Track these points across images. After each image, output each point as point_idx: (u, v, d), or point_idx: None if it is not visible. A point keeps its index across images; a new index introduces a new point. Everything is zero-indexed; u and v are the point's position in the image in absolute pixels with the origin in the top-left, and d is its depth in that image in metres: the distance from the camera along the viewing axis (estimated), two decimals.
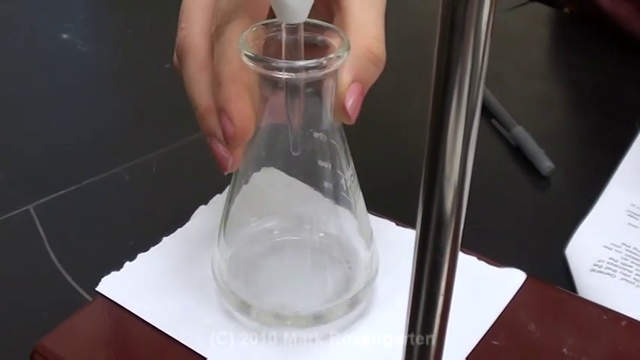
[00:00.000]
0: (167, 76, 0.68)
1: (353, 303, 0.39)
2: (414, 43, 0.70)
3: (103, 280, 0.42)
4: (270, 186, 0.39)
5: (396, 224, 0.45)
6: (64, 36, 0.76)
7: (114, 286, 0.41)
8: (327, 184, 0.38)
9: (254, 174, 0.38)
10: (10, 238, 0.49)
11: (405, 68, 0.68)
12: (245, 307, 0.39)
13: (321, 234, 0.40)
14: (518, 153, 0.56)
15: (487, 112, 0.61)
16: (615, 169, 0.52)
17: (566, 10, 0.83)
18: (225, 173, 0.38)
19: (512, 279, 0.42)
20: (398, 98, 0.64)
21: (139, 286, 0.41)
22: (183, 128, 0.59)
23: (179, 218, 0.46)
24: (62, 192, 0.53)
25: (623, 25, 0.72)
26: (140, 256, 0.43)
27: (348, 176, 0.38)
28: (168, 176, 0.55)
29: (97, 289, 0.41)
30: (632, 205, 0.50)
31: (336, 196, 0.38)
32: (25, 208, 0.51)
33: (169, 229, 0.45)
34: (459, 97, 0.21)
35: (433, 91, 0.22)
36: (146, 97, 0.66)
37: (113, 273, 0.42)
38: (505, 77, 0.67)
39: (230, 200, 0.39)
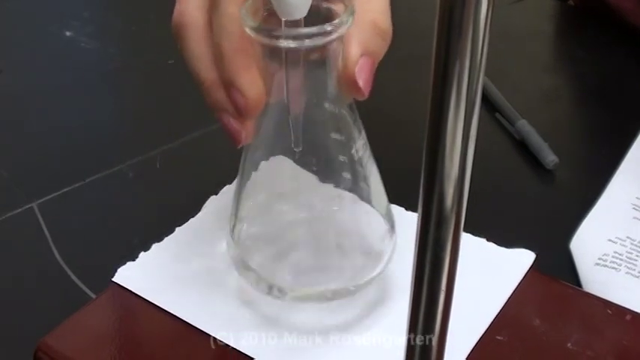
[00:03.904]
0: (171, 72, 0.69)
1: (370, 278, 0.39)
2: (419, 38, 0.70)
3: (119, 270, 0.42)
4: (281, 168, 0.38)
5: (405, 209, 0.46)
6: (68, 33, 0.76)
7: (130, 276, 0.42)
8: (336, 156, 0.37)
9: (263, 160, 0.38)
10: (13, 236, 0.49)
11: (411, 63, 0.68)
12: (260, 283, 0.38)
13: (334, 209, 0.39)
14: (522, 147, 0.56)
15: (491, 105, 0.60)
16: (620, 162, 0.52)
17: (571, 2, 0.82)
18: (239, 147, 0.37)
19: (522, 260, 0.42)
20: (405, 92, 0.64)
21: (156, 275, 0.42)
22: (186, 124, 0.59)
23: (183, 214, 0.46)
24: (66, 189, 0.53)
25: (628, 18, 0.71)
26: (155, 246, 0.44)
27: (360, 146, 0.37)
28: (172, 173, 0.55)
29: (114, 279, 0.42)
30: (636, 198, 0.49)
31: (348, 168, 0.37)
32: (29, 205, 0.51)
33: (174, 225, 0.45)
34: (458, 92, 0.21)
35: (432, 86, 0.22)
36: (150, 94, 0.66)
37: (129, 263, 0.42)
38: (509, 71, 0.67)
39: (241, 181, 0.39)
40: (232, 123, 0.36)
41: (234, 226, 0.40)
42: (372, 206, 0.39)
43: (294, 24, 0.34)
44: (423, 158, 0.23)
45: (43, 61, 0.72)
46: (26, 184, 0.54)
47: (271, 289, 0.38)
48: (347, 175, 0.38)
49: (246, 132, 0.37)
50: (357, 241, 0.40)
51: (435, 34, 0.20)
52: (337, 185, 0.38)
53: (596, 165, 0.55)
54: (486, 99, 0.61)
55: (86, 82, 0.69)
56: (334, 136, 0.37)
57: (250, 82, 0.35)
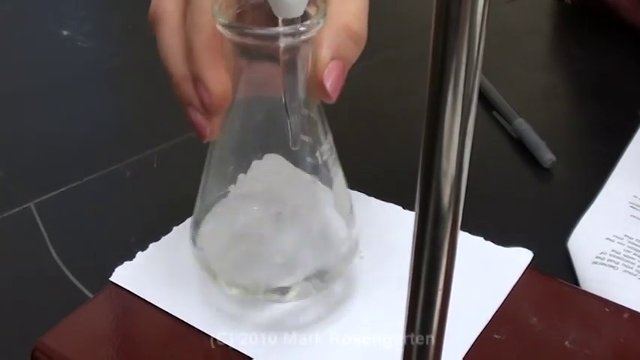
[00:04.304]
0: None
1: (327, 277, 0.39)
2: (417, 36, 0.70)
3: (116, 270, 0.42)
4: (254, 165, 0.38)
5: (402, 208, 0.46)
6: (65, 32, 0.76)
7: (128, 275, 0.42)
8: (303, 158, 0.37)
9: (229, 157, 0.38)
10: (11, 236, 0.49)
11: (409, 62, 0.68)
12: (219, 281, 0.39)
13: (297, 209, 0.40)
14: (519, 145, 0.56)
15: (488, 104, 0.60)
16: (617, 160, 0.52)
17: (568, 1, 0.82)
18: (204, 141, 0.37)
19: (519, 258, 0.42)
20: (402, 91, 0.64)
21: (153, 275, 0.42)
22: (184, 124, 0.59)
23: (180, 213, 0.46)
24: (63, 189, 0.53)
25: (625, 16, 0.71)
26: (152, 245, 0.44)
27: (325, 149, 0.37)
28: (169, 172, 0.55)
29: (111, 278, 0.41)
30: (634, 196, 0.49)
31: (313, 169, 0.38)
32: (26, 205, 0.51)
33: (171, 224, 0.45)
34: (455, 89, 0.21)
35: (429, 84, 0.21)
36: (147, 93, 0.66)
37: (126, 263, 0.42)
38: (506, 69, 0.67)
39: (206, 177, 0.39)
40: (199, 118, 0.36)
41: (195, 225, 0.40)
42: (335, 209, 0.39)
43: (291, 22, 0.34)
44: (420, 157, 0.23)
45: (40, 61, 0.72)
46: (23, 183, 0.54)
47: (231, 289, 0.39)
48: (312, 178, 0.38)
49: (211, 128, 0.37)
50: (317, 244, 0.40)
51: (432, 31, 0.20)
52: (303, 187, 0.38)
53: (594, 163, 0.55)
54: (484, 97, 0.61)
55: (83, 81, 0.69)
56: (303, 138, 0.37)
57: (216, 79, 0.35)
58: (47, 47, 0.75)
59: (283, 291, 0.38)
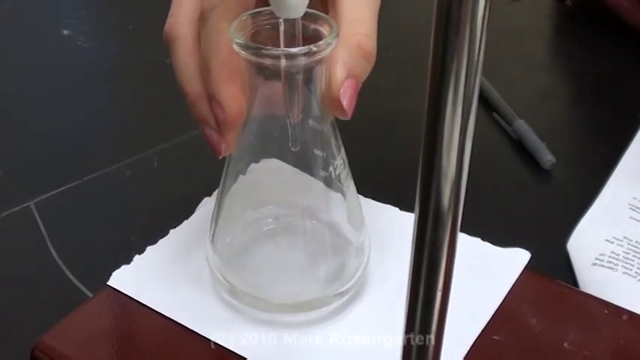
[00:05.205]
0: (168, 71, 0.68)
1: (343, 289, 0.39)
2: (417, 37, 0.70)
3: (113, 274, 0.42)
4: (262, 174, 0.39)
5: (402, 209, 0.46)
6: (65, 32, 0.76)
7: (125, 279, 0.41)
8: (316, 172, 0.38)
9: (243, 170, 0.39)
10: (10, 235, 0.49)
11: (408, 62, 0.68)
12: (235, 294, 0.39)
13: (311, 222, 0.40)
14: (519, 147, 0.56)
15: (488, 105, 0.60)
16: (617, 162, 0.52)
17: (568, 2, 0.82)
18: (219, 157, 0.38)
19: (517, 259, 0.42)
20: (403, 91, 0.64)
21: (151, 278, 0.42)
22: (184, 124, 0.59)
23: (180, 213, 0.46)
24: (63, 188, 0.53)
25: (625, 17, 0.71)
26: (149, 249, 0.43)
27: (339, 164, 0.38)
28: (169, 172, 0.55)
29: (109, 283, 0.41)
30: (634, 198, 0.50)
31: (327, 183, 0.38)
32: (26, 204, 0.51)
33: (171, 224, 0.45)
34: (456, 91, 0.21)
35: (429, 85, 0.21)
36: (147, 93, 0.66)
37: (124, 267, 0.42)
38: (507, 70, 0.67)
39: (222, 190, 0.39)
40: (213, 135, 0.37)
41: (213, 235, 0.40)
42: (348, 221, 0.40)
43: (291, 23, 0.34)
44: (421, 158, 0.23)
45: (40, 60, 0.72)
46: (23, 182, 0.54)
47: (247, 301, 0.39)
48: (324, 191, 0.39)
49: (226, 144, 0.38)
50: (330, 255, 0.40)
51: (433, 33, 0.20)
52: (317, 199, 0.39)
53: (594, 165, 0.55)
54: (484, 99, 0.61)
55: (83, 80, 0.69)
56: (315, 152, 0.38)
57: (231, 97, 0.36)
58: (47, 47, 0.75)
59: (296, 306, 0.39)
